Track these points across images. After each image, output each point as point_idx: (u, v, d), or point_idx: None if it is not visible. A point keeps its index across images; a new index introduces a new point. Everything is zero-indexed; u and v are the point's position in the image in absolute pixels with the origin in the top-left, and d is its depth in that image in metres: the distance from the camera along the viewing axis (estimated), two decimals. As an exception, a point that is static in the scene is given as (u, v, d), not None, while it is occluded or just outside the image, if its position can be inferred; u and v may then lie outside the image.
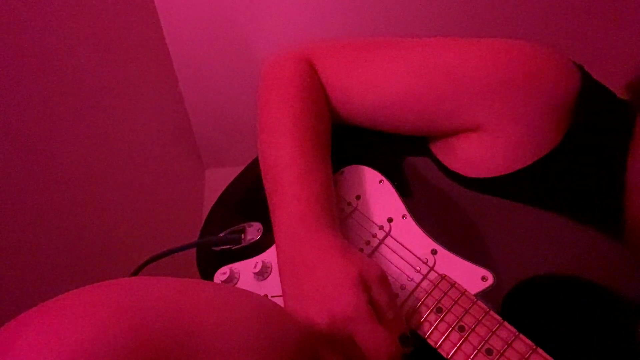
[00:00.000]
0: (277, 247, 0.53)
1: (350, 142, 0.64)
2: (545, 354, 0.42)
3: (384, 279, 0.47)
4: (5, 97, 0.93)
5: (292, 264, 0.49)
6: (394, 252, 0.54)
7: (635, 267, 0.46)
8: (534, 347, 0.43)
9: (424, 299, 0.49)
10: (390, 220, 0.56)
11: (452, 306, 0.48)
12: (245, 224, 0.65)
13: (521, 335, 0.44)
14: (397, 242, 0.55)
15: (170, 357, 0.29)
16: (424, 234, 0.54)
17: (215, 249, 0.65)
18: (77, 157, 1.13)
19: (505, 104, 0.51)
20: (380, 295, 0.45)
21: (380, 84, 0.58)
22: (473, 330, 0.46)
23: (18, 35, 0.97)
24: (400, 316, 0.47)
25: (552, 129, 0.50)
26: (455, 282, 0.49)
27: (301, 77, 0.59)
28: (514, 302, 0.47)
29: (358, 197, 0.60)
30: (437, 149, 0.58)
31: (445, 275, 0.50)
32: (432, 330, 0.47)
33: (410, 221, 0.56)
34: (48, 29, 1.06)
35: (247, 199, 0.69)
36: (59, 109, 1.09)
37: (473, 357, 0.44)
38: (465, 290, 0.48)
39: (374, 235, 0.56)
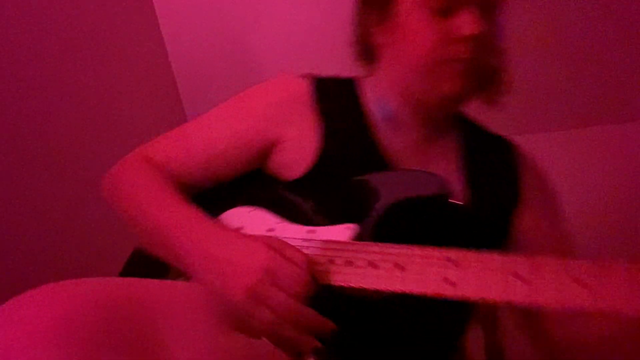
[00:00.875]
0: (188, 263, 0.61)
1: (209, 201, 0.76)
2: (410, 245, 0.57)
3: (281, 239, 0.60)
4: (5, 96, 0.92)
5: (207, 257, 0.59)
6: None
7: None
8: (399, 245, 0.58)
9: (318, 260, 0.62)
10: (271, 230, 0.69)
11: (338, 253, 0.61)
12: None
13: (388, 244, 0.59)
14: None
15: (132, 317, 0.36)
16: (298, 226, 0.68)
17: None
18: (74, 158, 1.12)
19: (280, 115, 0.75)
20: (285, 247, 0.58)
21: (200, 145, 0.76)
22: (358, 259, 0.59)
23: (18, 33, 0.98)
24: (306, 257, 0.59)
25: (309, 119, 0.75)
26: (333, 239, 0.63)
27: (143, 165, 0.74)
28: (378, 232, 0.63)
29: (240, 228, 0.72)
30: (271, 170, 0.77)
31: (325, 239, 0.64)
32: (332, 275, 0.59)
33: (285, 224, 0.69)
34: (44, 27, 1.07)
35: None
36: (56, 109, 1.09)
37: (365, 274, 0.57)
38: (343, 241, 0.63)
39: None
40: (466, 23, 0.66)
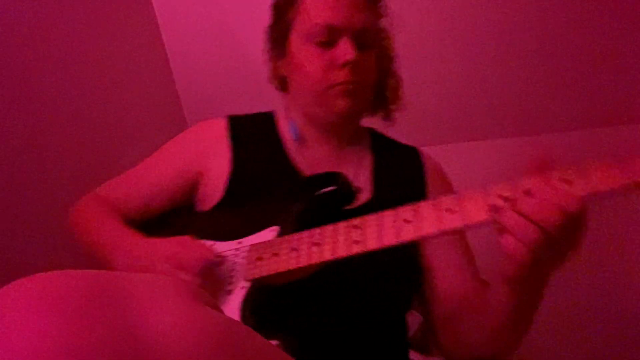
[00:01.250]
0: (121, 254, 0.72)
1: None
2: (324, 226, 0.67)
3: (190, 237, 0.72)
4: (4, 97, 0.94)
5: (133, 263, 0.69)
6: (220, 261, 0.74)
7: None
8: (315, 229, 0.67)
9: (248, 258, 0.70)
10: None
11: (264, 250, 0.69)
12: None
13: (306, 231, 0.68)
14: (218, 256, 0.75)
15: (113, 291, 0.40)
16: (228, 242, 0.76)
17: None
18: (73, 159, 1.16)
19: (199, 152, 0.89)
20: (189, 238, 0.71)
21: (140, 184, 0.89)
22: (282, 249, 0.68)
23: (17, 34, 1.02)
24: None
25: (224, 152, 0.88)
26: (258, 242, 0.72)
27: (93, 203, 0.87)
28: (298, 227, 0.72)
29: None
30: (199, 204, 0.88)
31: (251, 244, 0.72)
32: (262, 267, 0.67)
33: (217, 244, 0.77)
34: (43, 29, 1.11)
35: None
36: (55, 111, 1.12)
37: (289, 258, 0.66)
38: (268, 240, 0.71)
39: None
40: (343, 52, 0.80)
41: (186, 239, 0.72)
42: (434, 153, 0.99)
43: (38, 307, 0.35)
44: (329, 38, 0.81)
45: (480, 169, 1.66)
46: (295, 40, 0.86)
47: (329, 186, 0.76)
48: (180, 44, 1.63)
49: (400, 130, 0.99)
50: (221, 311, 0.57)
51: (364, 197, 0.85)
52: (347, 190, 0.76)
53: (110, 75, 1.44)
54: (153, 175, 0.89)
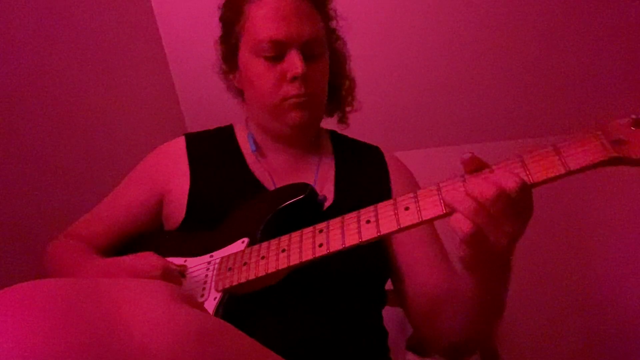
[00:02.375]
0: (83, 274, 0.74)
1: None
2: (291, 233, 0.69)
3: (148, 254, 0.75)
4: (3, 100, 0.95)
5: (92, 272, 0.74)
6: (193, 276, 0.75)
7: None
8: (282, 236, 0.69)
9: (219, 270, 0.71)
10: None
11: (234, 261, 0.71)
12: None
13: (274, 239, 0.70)
14: (192, 272, 0.76)
15: (95, 295, 0.42)
16: (199, 257, 0.77)
17: None
18: (74, 158, 1.17)
19: (161, 173, 0.90)
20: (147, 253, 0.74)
21: (109, 215, 0.91)
22: (251, 258, 0.70)
23: (18, 36, 1.03)
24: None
25: (183, 169, 0.89)
26: (228, 254, 0.73)
27: (65, 241, 0.88)
28: (267, 237, 0.74)
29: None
30: (167, 224, 0.90)
31: (222, 257, 0.74)
32: (232, 277, 0.69)
33: (190, 259, 0.78)
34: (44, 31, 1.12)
35: None
36: (55, 113, 1.14)
37: (258, 266, 0.68)
38: (238, 251, 0.73)
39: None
40: (291, 66, 0.81)
41: (145, 253, 0.74)
42: (407, 158, 1.01)
43: (26, 311, 0.37)
44: (276, 52, 0.81)
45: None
46: (245, 55, 0.86)
47: (296, 197, 0.78)
48: (180, 44, 1.65)
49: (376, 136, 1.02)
50: (204, 310, 0.58)
51: (328, 202, 0.87)
52: (313, 199, 0.79)
53: (110, 78, 1.44)
54: (120, 206, 0.90)
